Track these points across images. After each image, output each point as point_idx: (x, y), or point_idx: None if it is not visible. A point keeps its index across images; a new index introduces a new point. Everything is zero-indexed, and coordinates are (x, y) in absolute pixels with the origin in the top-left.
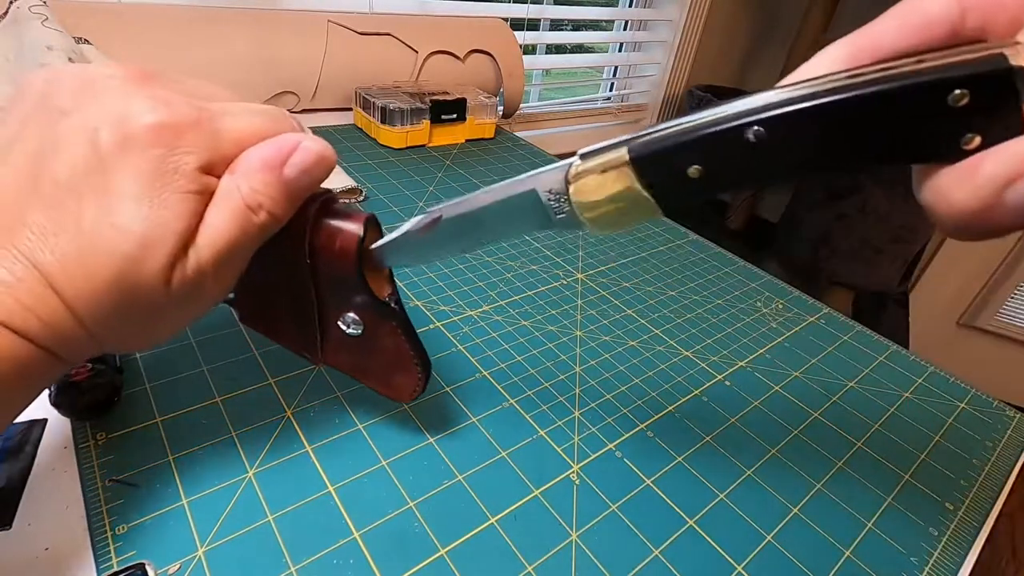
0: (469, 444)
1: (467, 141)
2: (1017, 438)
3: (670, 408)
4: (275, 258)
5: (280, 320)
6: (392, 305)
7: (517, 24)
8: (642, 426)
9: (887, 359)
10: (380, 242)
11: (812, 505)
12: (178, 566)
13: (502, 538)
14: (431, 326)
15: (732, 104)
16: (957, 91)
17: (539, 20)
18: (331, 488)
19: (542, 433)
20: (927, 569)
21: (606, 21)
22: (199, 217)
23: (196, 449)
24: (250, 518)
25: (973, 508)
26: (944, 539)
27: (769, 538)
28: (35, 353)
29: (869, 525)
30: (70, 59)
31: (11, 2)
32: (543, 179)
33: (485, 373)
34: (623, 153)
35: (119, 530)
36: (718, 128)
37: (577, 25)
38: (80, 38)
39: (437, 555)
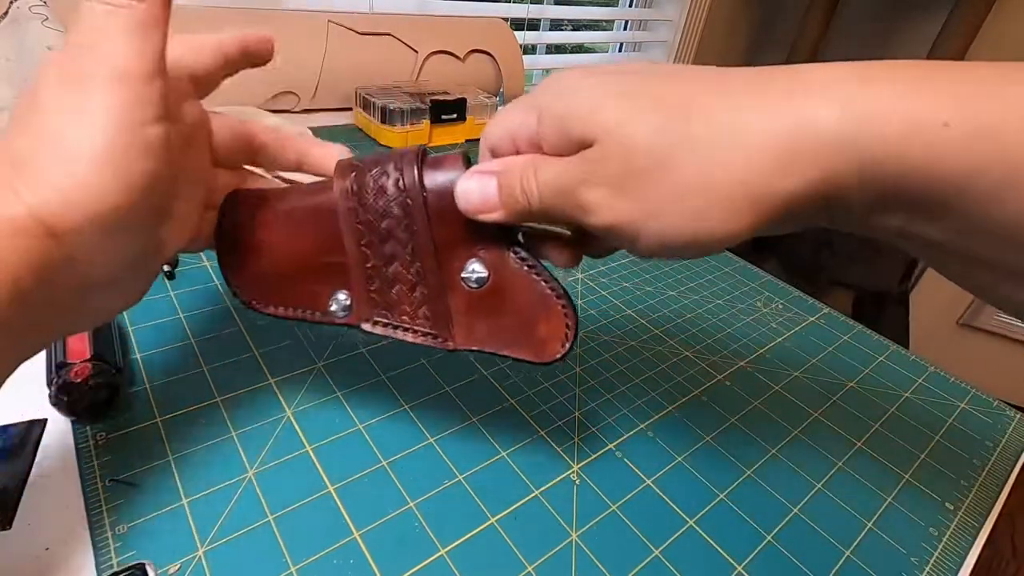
0: (469, 444)
1: (467, 141)
2: (1017, 438)
3: (670, 408)
4: (395, 229)
5: (402, 303)
6: (516, 235)
7: (517, 24)
8: (642, 426)
9: (887, 359)
10: None
11: (812, 505)
12: (178, 566)
13: (502, 538)
14: None
15: None
16: None
17: (539, 20)
18: (331, 488)
19: (542, 433)
20: (927, 569)
21: (606, 21)
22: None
23: (196, 449)
24: (250, 518)
25: (973, 508)
26: (944, 539)
27: (769, 538)
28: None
29: (869, 525)
30: None
31: (11, 2)
32: None
33: (485, 373)
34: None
35: (119, 530)
36: None
37: (577, 25)
38: None
39: (437, 555)
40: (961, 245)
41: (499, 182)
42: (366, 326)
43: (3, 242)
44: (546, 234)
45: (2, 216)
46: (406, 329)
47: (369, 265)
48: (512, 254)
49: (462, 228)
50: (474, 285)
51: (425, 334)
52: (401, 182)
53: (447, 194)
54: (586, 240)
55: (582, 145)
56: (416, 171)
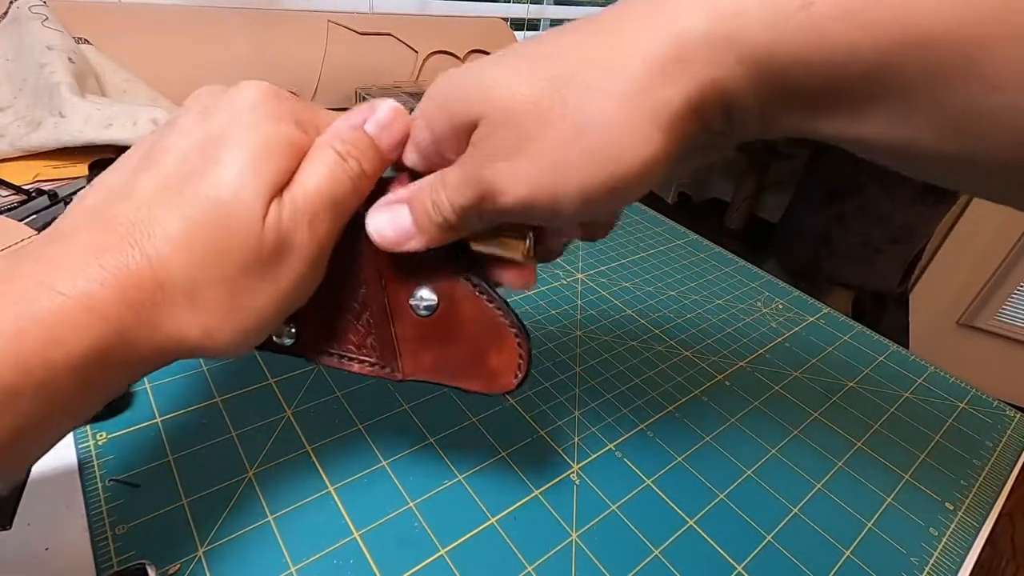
0: (469, 444)
1: None
2: (1017, 438)
3: (670, 408)
4: (335, 255)
5: (348, 334)
6: (462, 253)
7: (517, 24)
8: (642, 426)
9: (887, 359)
10: None
11: (812, 505)
12: (178, 567)
13: (502, 538)
14: None
15: None
16: None
17: (539, 20)
18: (331, 488)
19: (542, 433)
20: (927, 569)
21: None
22: (292, 166)
23: (196, 449)
24: (250, 518)
25: (973, 508)
26: (944, 539)
27: (769, 538)
28: (120, 344)
29: (869, 525)
30: (70, 59)
31: (11, 2)
32: None
33: None
34: None
35: (119, 530)
36: None
37: None
38: (80, 38)
39: (437, 555)
40: (881, 139)
41: (410, 207)
42: (312, 356)
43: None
44: (495, 258)
45: (154, 330)
46: (351, 359)
47: (313, 293)
48: (464, 280)
49: (410, 252)
50: (424, 312)
51: (372, 364)
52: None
53: None
54: (537, 250)
55: (470, 129)
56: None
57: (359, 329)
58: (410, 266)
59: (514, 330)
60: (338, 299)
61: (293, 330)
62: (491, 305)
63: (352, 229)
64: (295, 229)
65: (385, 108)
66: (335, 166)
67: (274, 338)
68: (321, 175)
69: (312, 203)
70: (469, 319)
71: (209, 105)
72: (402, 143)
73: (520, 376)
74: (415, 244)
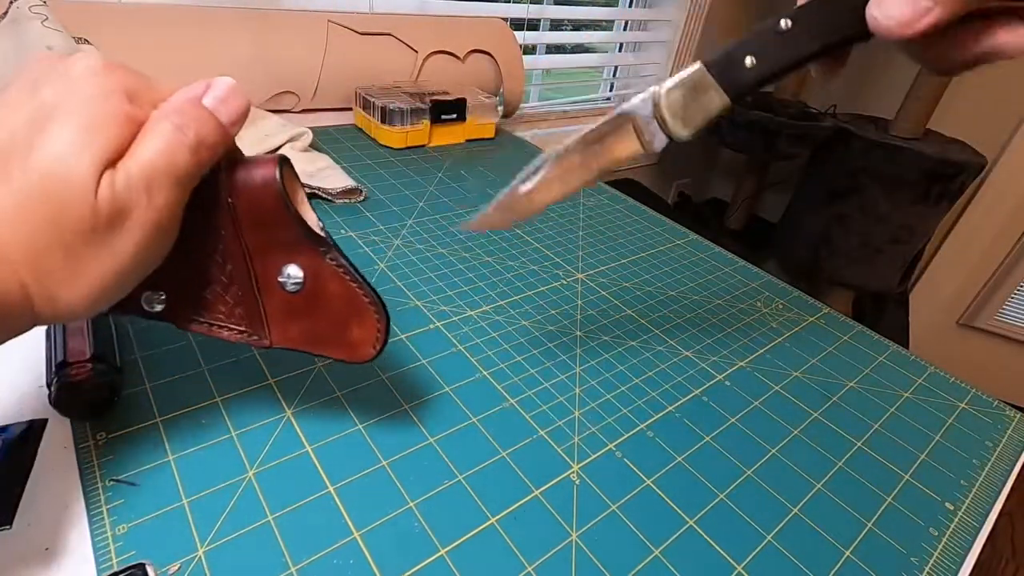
0: (469, 444)
1: (467, 141)
2: (1017, 438)
3: (670, 408)
4: (200, 231)
5: (217, 304)
6: (328, 237)
7: (517, 24)
8: (642, 426)
9: (887, 359)
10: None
11: (812, 505)
12: (178, 566)
13: (502, 538)
14: (431, 326)
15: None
16: None
17: (539, 20)
18: (331, 488)
19: (542, 433)
20: (927, 569)
21: (606, 21)
22: (126, 138)
23: (196, 449)
24: (250, 518)
25: (973, 508)
26: (944, 539)
27: (769, 538)
28: None
29: (869, 525)
30: None
31: (11, 2)
32: (636, 106)
33: (485, 373)
34: (697, 66)
35: (119, 530)
36: (761, 27)
37: (577, 25)
38: (80, 38)
39: (437, 555)
40: None
41: None
42: (182, 325)
43: None
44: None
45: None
46: (220, 327)
47: (182, 263)
48: (329, 260)
49: (277, 232)
50: (292, 288)
51: (240, 332)
52: (210, 181)
53: (259, 197)
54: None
55: None
56: (222, 171)
57: (228, 300)
58: (277, 245)
59: (373, 306)
60: (206, 273)
61: (163, 297)
62: (353, 283)
63: (214, 206)
64: (131, 198)
65: (223, 84)
66: (172, 137)
67: (143, 305)
68: (157, 145)
69: (148, 172)
70: (333, 295)
71: (40, 77)
72: (242, 118)
73: (379, 347)
74: (930, 20)
